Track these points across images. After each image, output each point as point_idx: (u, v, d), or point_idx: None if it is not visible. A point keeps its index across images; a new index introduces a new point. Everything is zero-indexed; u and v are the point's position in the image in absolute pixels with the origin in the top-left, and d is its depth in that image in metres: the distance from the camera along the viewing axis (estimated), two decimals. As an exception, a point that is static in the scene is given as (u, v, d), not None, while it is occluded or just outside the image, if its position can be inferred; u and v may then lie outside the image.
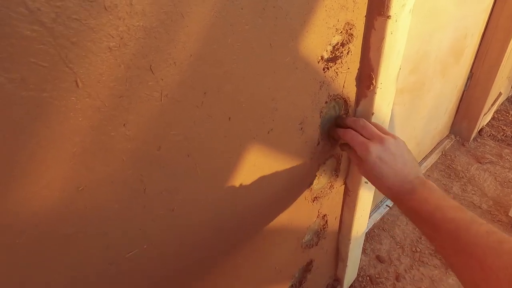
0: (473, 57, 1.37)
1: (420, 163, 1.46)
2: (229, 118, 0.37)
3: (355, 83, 0.54)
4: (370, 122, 0.50)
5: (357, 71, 0.52)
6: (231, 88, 0.35)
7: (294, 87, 0.43)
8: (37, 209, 0.26)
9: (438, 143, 1.59)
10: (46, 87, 0.22)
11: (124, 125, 0.28)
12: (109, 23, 0.23)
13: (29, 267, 0.28)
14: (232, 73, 0.34)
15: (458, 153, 1.57)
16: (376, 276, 1.08)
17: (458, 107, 1.57)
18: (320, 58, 0.44)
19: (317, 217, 0.69)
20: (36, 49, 0.21)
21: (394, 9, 0.45)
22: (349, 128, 0.51)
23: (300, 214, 0.62)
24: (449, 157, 1.55)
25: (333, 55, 0.46)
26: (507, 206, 1.28)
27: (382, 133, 0.48)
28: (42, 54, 0.21)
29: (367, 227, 1.19)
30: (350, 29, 0.46)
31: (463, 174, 1.45)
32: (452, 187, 1.40)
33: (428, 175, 1.46)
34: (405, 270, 1.09)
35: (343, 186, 0.71)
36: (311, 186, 0.60)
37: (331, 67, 0.47)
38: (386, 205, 1.30)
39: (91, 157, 0.27)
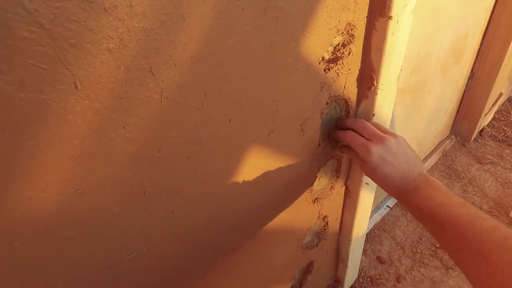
0: (474, 57, 1.37)
1: (421, 164, 1.45)
2: (230, 120, 0.37)
3: (356, 84, 0.54)
4: (370, 122, 0.50)
5: (358, 72, 0.52)
6: (232, 90, 0.35)
7: (295, 88, 0.43)
8: (36, 211, 0.26)
9: (439, 144, 1.59)
10: (45, 89, 0.22)
11: (124, 127, 0.28)
12: (109, 25, 0.23)
13: (27, 269, 0.28)
14: (233, 74, 0.34)
15: (459, 153, 1.57)
16: (377, 277, 1.08)
17: (458, 108, 1.57)
18: (321, 59, 0.44)
19: (318, 218, 0.69)
20: (35, 50, 0.21)
21: (396, 9, 0.45)
22: (349, 129, 0.50)
23: (301, 215, 0.62)
24: (449, 157, 1.55)
25: (334, 56, 0.46)
26: (508, 207, 1.28)
27: (382, 132, 0.48)
28: (41, 55, 0.21)
29: (368, 228, 1.19)
30: (351, 29, 0.46)
31: (463, 175, 1.45)
32: (452, 187, 1.39)
33: (429, 176, 1.45)
34: (406, 271, 1.09)
35: (343, 187, 0.71)
36: (312, 187, 0.60)
37: (332, 68, 0.46)
38: (387, 205, 1.30)
39: (91, 159, 0.27)
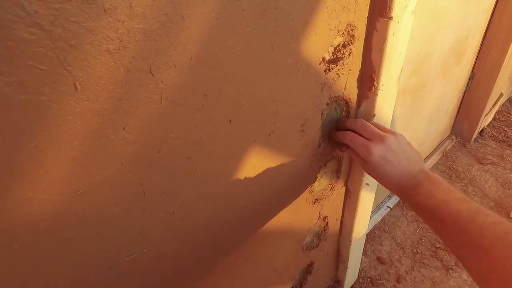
0: (475, 57, 1.37)
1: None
2: (230, 120, 0.36)
3: (356, 85, 0.54)
4: (368, 121, 0.50)
5: (358, 72, 0.52)
6: (232, 91, 0.35)
7: (296, 89, 0.43)
8: (36, 213, 0.26)
9: (439, 144, 1.59)
10: (45, 90, 0.22)
11: (123, 128, 0.28)
12: (109, 26, 0.23)
13: (27, 271, 0.28)
14: (233, 75, 0.34)
15: (459, 154, 1.57)
16: (377, 277, 1.08)
17: (459, 108, 1.56)
18: (321, 59, 0.44)
19: (318, 219, 0.69)
20: (34, 52, 0.21)
21: (396, 10, 0.45)
22: (348, 130, 0.50)
23: (301, 216, 0.62)
24: (450, 158, 1.55)
25: (335, 56, 0.46)
26: (508, 207, 1.28)
27: (381, 131, 0.48)
28: (40, 57, 0.21)
29: (368, 229, 1.18)
30: (352, 30, 0.46)
31: (464, 175, 1.45)
32: (453, 188, 1.39)
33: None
34: (406, 272, 1.09)
35: (344, 188, 0.70)
36: (312, 188, 0.60)
37: (332, 68, 0.46)
38: (387, 206, 1.29)
39: (90, 160, 0.27)
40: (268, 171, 0.47)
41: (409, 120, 1.09)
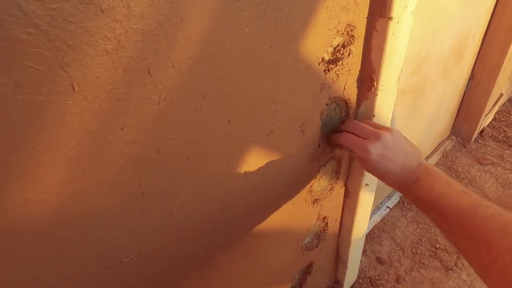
0: (475, 58, 1.37)
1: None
2: (229, 121, 0.36)
3: (356, 85, 0.53)
4: (363, 121, 0.50)
5: (358, 72, 0.52)
6: (231, 91, 0.35)
7: (295, 89, 0.43)
8: (33, 213, 0.26)
9: (439, 144, 1.59)
10: (42, 91, 0.22)
11: (122, 129, 0.27)
12: (106, 26, 0.23)
13: (24, 271, 0.28)
14: (232, 75, 0.34)
15: (459, 154, 1.57)
16: (377, 278, 1.08)
17: (459, 108, 1.56)
18: (321, 60, 0.44)
19: (317, 219, 0.69)
20: (32, 52, 0.21)
21: (396, 10, 0.45)
22: (344, 132, 0.51)
23: (300, 216, 0.62)
24: (450, 158, 1.55)
25: (334, 56, 0.46)
26: (508, 208, 1.28)
27: (377, 128, 0.48)
28: (38, 57, 0.21)
29: (367, 229, 1.18)
30: (351, 30, 0.45)
31: (464, 176, 1.45)
32: (453, 188, 1.39)
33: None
34: (406, 272, 1.09)
35: (343, 188, 0.70)
36: (312, 188, 0.60)
37: (332, 69, 0.46)
38: (387, 206, 1.29)
39: (88, 161, 0.27)
40: (267, 171, 0.47)
41: (409, 120, 1.09)
